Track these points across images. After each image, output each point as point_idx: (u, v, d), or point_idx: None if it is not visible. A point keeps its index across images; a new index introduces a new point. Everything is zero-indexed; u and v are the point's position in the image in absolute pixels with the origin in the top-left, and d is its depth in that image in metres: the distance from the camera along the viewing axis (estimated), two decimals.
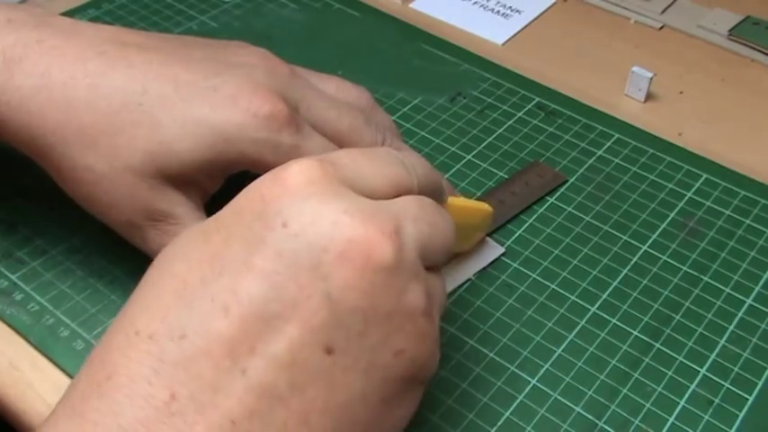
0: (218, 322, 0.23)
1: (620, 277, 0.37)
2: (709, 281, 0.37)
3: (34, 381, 0.33)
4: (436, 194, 0.29)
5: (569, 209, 0.40)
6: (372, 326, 0.24)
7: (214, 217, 0.25)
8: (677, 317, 0.36)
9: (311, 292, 0.23)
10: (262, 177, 0.25)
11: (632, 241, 0.39)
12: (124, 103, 0.31)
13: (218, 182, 0.34)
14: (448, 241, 0.27)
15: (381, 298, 0.24)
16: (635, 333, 0.35)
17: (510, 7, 0.55)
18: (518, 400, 0.32)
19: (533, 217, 0.40)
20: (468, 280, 0.37)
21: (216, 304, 0.23)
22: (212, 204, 0.34)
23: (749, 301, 0.36)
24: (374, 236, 0.24)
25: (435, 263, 0.27)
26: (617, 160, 0.43)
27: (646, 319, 0.36)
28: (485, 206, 0.36)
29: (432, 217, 0.27)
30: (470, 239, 0.37)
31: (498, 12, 0.55)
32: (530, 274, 0.37)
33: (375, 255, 0.24)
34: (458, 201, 0.34)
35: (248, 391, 0.22)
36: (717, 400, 0.33)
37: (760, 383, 0.33)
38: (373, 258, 0.24)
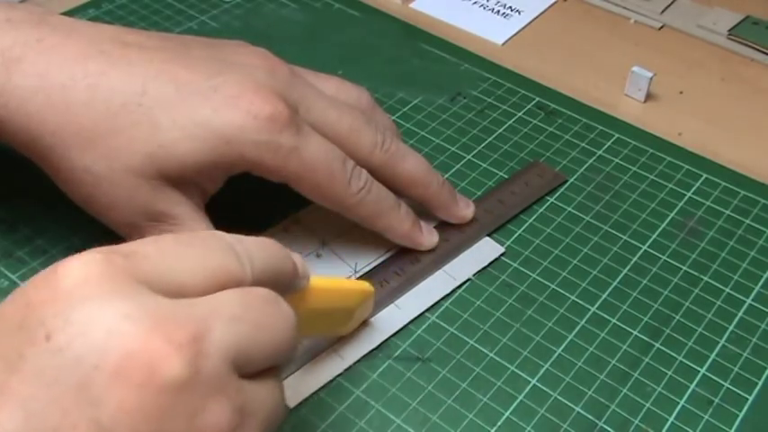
0: None
1: (620, 277, 0.37)
2: (709, 281, 0.37)
3: None
4: (282, 283, 0.26)
5: (569, 209, 0.40)
6: None
7: None
8: (677, 317, 0.36)
9: (77, 419, 0.19)
10: (39, 274, 0.21)
11: (632, 241, 0.39)
12: (124, 103, 0.31)
13: (219, 183, 0.34)
14: (281, 343, 0.23)
15: (169, 422, 0.20)
16: (635, 333, 0.35)
17: (510, 7, 0.55)
18: (518, 400, 0.32)
19: (533, 217, 0.40)
20: (468, 280, 0.37)
21: None
22: (213, 204, 0.34)
23: (749, 301, 0.36)
24: (159, 346, 0.20)
25: (262, 367, 0.23)
26: (617, 160, 0.43)
27: (646, 319, 0.36)
28: (363, 285, 0.33)
29: (258, 314, 0.23)
30: (348, 323, 0.33)
31: (498, 12, 0.55)
32: (530, 274, 0.37)
33: (159, 370, 0.20)
34: (325, 283, 0.30)
35: None
36: (717, 400, 0.33)
37: (760, 383, 0.33)
38: (157, 374, 0.20)
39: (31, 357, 0.20)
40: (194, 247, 0.23)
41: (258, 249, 0.25)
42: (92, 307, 0.20)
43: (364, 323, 0.34)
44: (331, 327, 0.33)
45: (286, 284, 0.26)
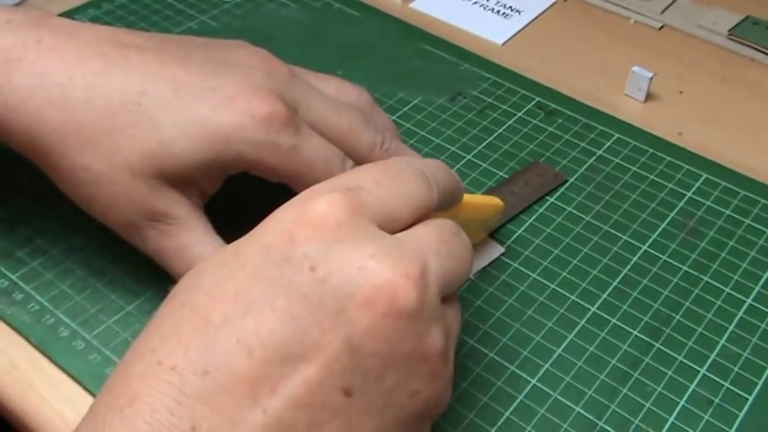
0: (241, 362, 0.23)
1: (620, 277, 0.37)
2: (709, 281, 0.37)
3: (34, 380, 0.33)
4: (454, 199, 0.30)
5: (569, 209, 0.40)
6: (390, 370, 0.24)
7: (237, 248, 0.25)
8: (677, 317, 0.36)
9: (333, 336, 0.23)
10: (288, 209, 0.25)
11: (632, 241, 0.39)
12: (123, 103, 0.31)
13: (218, 182, 0.34)
14: (467, 270, 0.27)
15: (401, 343, 0.24)
16: (635, 333, 0.35)
17: (510, 7, 0.55)
18: (518, 400, 0.32)
19: (533, 217, 0.40)
20: (468, 280, 0.37)
21: (240, 345, 0.23)
22: (212, 204, 0.34)
23: (749, 301, 0.36)
24: (399, 281, 0.24)
25: (454, 292, 0.27)
26: (617, 160, 0.43)
27: (646, 319, 0.36)
28: (495, 201, 0.36)
29: (452, 248, 0.27)
30: (480, 234, 0.37)
31: (498, 12, 0.55)
32: (530, 274, 0.37)
33: (399, 301, 0.24)
34: (470, 198, 0.33)
35: (267, 428, 0.23)
36: (717, 400, 0.33)
37: (760, 383, 0.33)
38: (397, 305, 0.24)
39: (298, 284, 0.23)
40: (398, 178, 0.27)
41: (439, 171, 0.28)
42: (346, 247, 0.24)
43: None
44: (472, 235, 0.33)
45: (454, 200, 0.30)
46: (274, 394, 0.23)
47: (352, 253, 0.24)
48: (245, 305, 0.24)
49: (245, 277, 0.24)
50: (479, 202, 0.36)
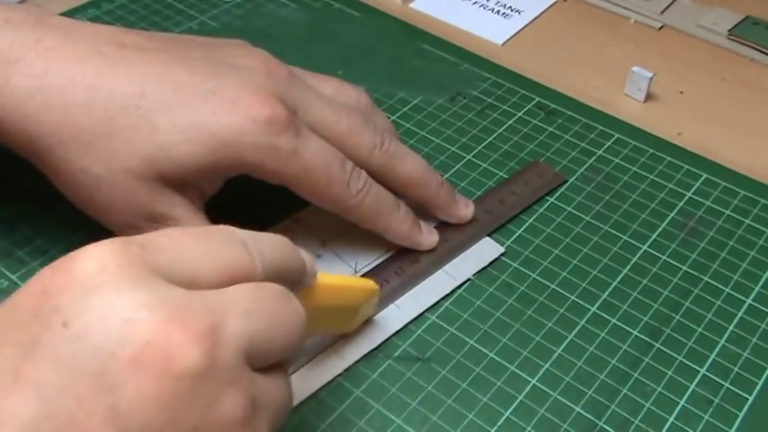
0: None
1: (620, 277, 0.37)
2: (709, 281, 0.37)
3: None
4: (291, 280, 0.26)
5: (569, 209, 0.40)
6: None
7: None
8: (677, 317, 0.36)
9: (94, 407, 0.19)
10: (47, 266, 0.21)
11: (632, 241, 0.39)
12: (122, 106, 0.31)
13: (218, 185, 0.34)
14: (291, 338, 0.24)
15: (185, 411, 0.20)
16: (635, 333, 0.35)
17: (510, 7, 0.55)
18: (518, 400, 0.32)
19: (533, 217, 0.40)
20: (468, 280, 0.37)
21: None
22: (212, 204, 0.34)
23: (749, 301, 0.36)
24: (177, 336, 0.20)
25: (272, 362, 0.24)
26: (617, 160, 0.43)
27: (646, 319, 0.36)
28: (368, 284, 0.33)
29: (271, 310, 0.23)
30: (353, 320, 0.33)
31: (498, 12, 0.55)
32: (530, 274, 0.37)
33: (177, 360, 0.20)
34: (331, 280, 0.30)
35: None
36: (717, 400, 0.33)
37: (760, 383, 0.33)
38: (175, 364, 0.20)
39: (48, 344, 0.20)
40: (207, 241, 0.23)
41: (269, 246, 0.25)
42: (109, 294, 0.20)
43: (368, 321, 0.34)
44: (336, 324, 0.33)
45: (295, 281, 0.26)
46: None
47: (117, 302, 0.20)
48: None
49: None
50: (347, 284, 0.31)
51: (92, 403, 0.19)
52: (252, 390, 0.22)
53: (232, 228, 0.24)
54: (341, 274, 0.32)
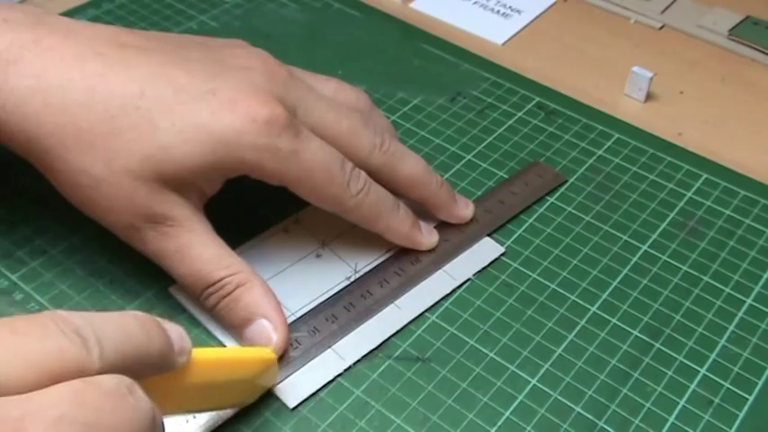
0: None
1: (620, 277, 0.37)
2: (709, 281, 0.37)
3: None
4: (148, 365, 0.23)
5: (569, 209, 0.40)
6: None
7: None
8: (677, 317, 0.36)
9: None
10: None
11: (632, 241, 0.39)
12: (122, 106, 0.31)
13: (218, 185, 0.34)
14: None
15: None
16: (635, 333, 0.35)
17: (510, 7, 0.55)
18: (518, 400, 0.32)
19: (533, 217, 0.40)
20: (468, 280, 0.37)
21: None
22: (212, 205, 0.34)
23: (749, 301, 0.36)
24: None
25: None
26: (617, 160, 0.43)
27: (646, 319, 0.36)
28: (262, 353, 0.30)
29: (95, 413, 0.20)
30: (249, 393, 0.31)
31: (498, 12, 0.55)
32: (530, 274, 0.37)
33: None
34: (213, 354, 0.27)
35: None
36: (717, 400, 0.33)
37: (760, 383, 0.33)
38: None
39: None
40: (22, 334, 0.20)
41: (112, 329, 0.22)
42: None
43: (367, 321, 0.34)
44: (229, 399, 0.30)
45: (155, 365, 0.23)
46: None
47: None
48: None
49: None
50: (230, 358, 0.28)
51: None
52: None
53: (63, 313, 0.21)
54: (228, 347, 0.29)
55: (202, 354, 0.26)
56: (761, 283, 0.37)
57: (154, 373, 0.23)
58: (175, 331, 0.24)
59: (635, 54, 0.51)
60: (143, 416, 0.21)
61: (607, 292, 0.37)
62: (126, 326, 0.22)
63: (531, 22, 0.54)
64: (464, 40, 0.52)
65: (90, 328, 0.21)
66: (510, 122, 0.45)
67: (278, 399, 0.32)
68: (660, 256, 0.38)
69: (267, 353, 0.30)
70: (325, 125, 0.34)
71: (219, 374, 0.27)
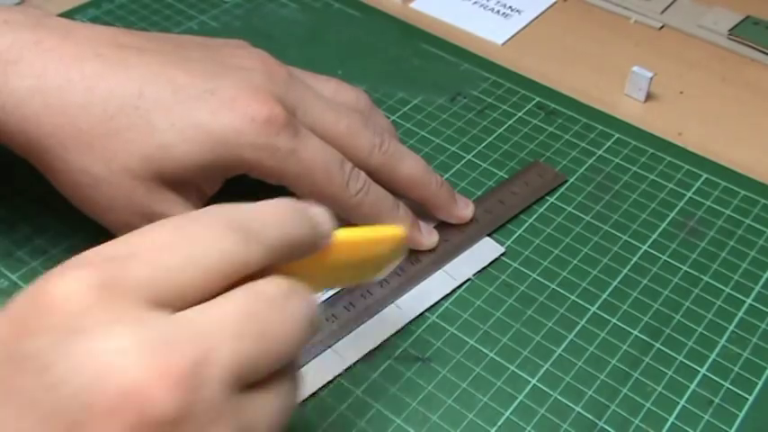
0: None
1: (620, 277, 0.37)
2: (709, 281, 0.37)
3: None
4: (300, 250, 0.24)
5: (569, 209, 0.40)
6: None
7: None
8: (677, 317, 0.36)
9: None
10: (27, 291, 0.20)
11: (632, 241, 0.39)
12: (121, 106, 0.31)
13: (217, 185, 0.34)
14: (288, 348, 0.22)
15: None
16: (635, 333, 0.35)
17: (510, 7, 0.55)
18: (518, 400, 0.32)
19: (533, 217, 0.40)
20: (468, 280, 0.37)
21: None
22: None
23: (749, 301, 0.36)
24: (153, 383, 0.19)
25: (266, 375, 0.22)
26: (617, 160, 0.43)
27: (646, 319, 0.36)
28: (392, 231, 0.30)
29: (263, 324, 0.21)
30: (380, 270, 0.31)
31: (498, 12, 0.55)
32: (530, 274, 0.37)
33: (150, 409, 0.19)
34: (352, 234, 0.28)
35: None
36: (717, 400, 0.33)
37: (760, 383, 0.33)
38: (149, 413, 0.19)
39: (23, 390, 0.19)
40: (193, 240, 0.21)
41: (269, 221, 0.23)
42: (90, 340, 0.19)
43: (369, 319, 0.34)
44: (361, 276, 0.31)
45: (305, 250, 0.24)
46: None
47: (96, 347, 0.19)
48: None
49: None
50: (369, 236, 0.29)
51: None
52: (241, 416, 0.21)
53: (222, 209, 0.23)
54: (362, 226, 0.30)
55: (343, 235, 0.27)
56: (761, 283, 0.37)
57: (303, 256, 0.24)
58: (321, 214, 0.25)
59: (635, 54, 0.51)
60: (301, 321, 0.22)
61: (607, 292, 0.37)
62: (281, 216, 0.23)
63: (531, 22, 0.54)
64: (464, 40, 0.52)
65: (253, 224, 0.22)
66: (510, 122, 0.45)
67: None
68: (660, 256, 0.38)
69: (399, 230, 0.30)
70: (325, 125, 0.34)
71: (357, 252, 0.28)
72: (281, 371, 0.22)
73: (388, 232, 0.30)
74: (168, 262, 0.21)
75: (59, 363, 0.19)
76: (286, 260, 0.23)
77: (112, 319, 0.19)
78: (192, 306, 0.21)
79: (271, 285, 0.22)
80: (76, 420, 0.18)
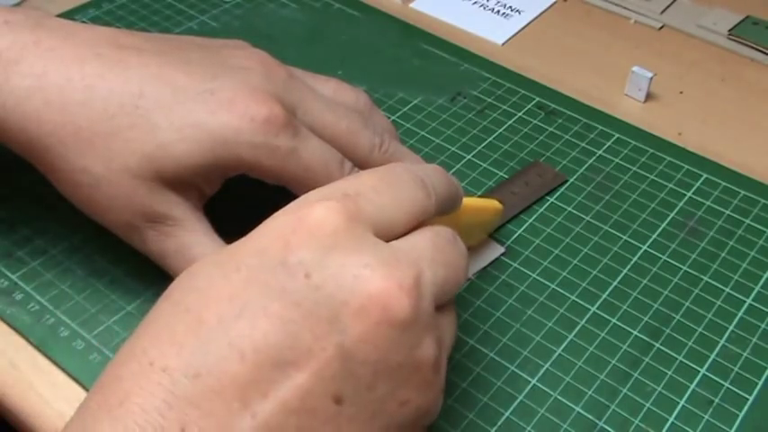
0: (233, 365, 0.23)
1: (620, 277, 0.37)
2: (709, 281, 0.37)
3: (34, 381, 0.33)
4: (453, 205, 0.30)
5: (569, 209, 0.40)
6: (381, 378, 0.24)
7: (233, 250, 0.25)
8: (677, 317, 0.36)
9: (326, 343, 0.23)
10: (284, 215, 0.25)
11: (632, 241, 0.39)
12: (121, 105, 0.31)
13: (217, 184, 0.34)
14: (462, 278, 0.27)
15: (393, 352, 0.24)
16: (635, 333, 0.35)
17: (510, 7, 0.55)
18: (518, 400, 0.32)
19: (533, 217, 0.40)
20: (469, 280, 0.37)
21: (232, 348, 0.23)
22: (212, 205, 0.34)
23: (749, 301, 0.36)
24: (393, 291, 0.24)
25: (449, 300, 0.27)
26: (617, 160, 0.43)
27: (646, 319, 0.36)
28: (494, 203, 0.37)
29: (447, 256, 0.27)
30: (479, 236, 0.38)
31: (498, 12, 0.55)
32: (530, 274, 0.37)
33: (392, 311, 0.24)
34: (469, 201, 0.33)
35: None
36: (717, 400, 0.33)
37: (760, 383, 0.33)
38: (390, 314, 0.24)
39: (293, 291, 0.23)
40: (397, 185, 0.27)
41: (438, 178, 0.29)
42: (342, 254, 0.24)
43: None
44: (468, 238, 0.34)
45: (452, 204, 0.30)
46: (265, 399, 0.23)
47: (347, 261, 0.24)
48: (238, 308, 0.23)
49: (239, 280, 0.24)
50: (479, 205, 0.36)
51: (325, 341, 0.23)
52: (438, 331, 0.26)
53: (408, 166, 0.28)
54: (473, 197, 0.36)
55: (466, 199, 0.32)
56: (761, 283, 0.37)
57: (449, 212, 0.30)
58: (455, 180, 0.31)
59: (635, 54, 0.51)
60: (465, 257, 0.28)
61: (607, 292, 0.37)
62: (444, 176, 0.29)
63: (531, 22, 0.54)
64: (464, 40, 0.52)
65: (427, 178, 0.28)
66: (510, 122, 0.45)
67: None
68: (660, 256, 0.38)
69: (497, 203, 0.37)
70: (325, 125, 0.34)
71: (473, 216, 0.34)
72: (449, 304, 0.28)
73: (493, 203, 0.37)
74: (383, 201, 0.26)
75: (320, 270, 0.24)
76: (441, 213, 0.29)
77: (354, 240, 0.24)
78: (394, 238, 0.26)
79: (443, 229, 0.27)
80: (334, 315, 0.23)
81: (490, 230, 0.38)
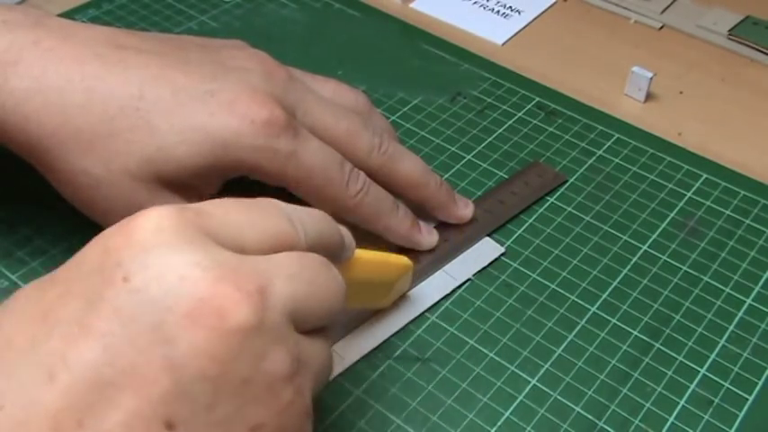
0: (42, 391, 0.20)
1: (620, 277, 0.37)
2: (709, 281, 0.37)
3: None
4: (331, 252, 0.27)
5: (569, 209, 0.40)
6: (223, 396, 0.21)
7: (55, 271, 0.23)
8: (677, 317, 0.36)
9: (151, 356, 0.20)
10: (110, 228, 0.23)
11: (632, 241, 0.39)
12: (121, 107, 0.31)
13: (217, 186, 0.34)
14: (333, 303, 0.25)
15: (235, 364, 0.21)
16: (635, 333, 0.35)
17: (510, 7, 0.55)
18: (518, 400, 0.32)
19: (533, 217, 0.40)
20: (468, 280, 0.37)
21: (41, 370, 0.20)
22: None
23: (749, 301, 0.36)
24: (229, 294, 0.21)
25: (315, 326, 0.25)
26: (617, 160, 0.43)
27: (646, 319, 0.36)
28: (402, 260, 0.33)
29: (313, 276, 0.24)
30: (387, 296, 0.34)
31: (498, 12, 0.55)
32: (530, 274, 0.37)
33: (228, 315, 0.21)
34: (367, 255, 0.30)
35: None
36: (717, 400, 0.33)
37: (760, 383, 0.33)
38: (227, 320, 0.21)
39: (110, 298, 0.21)
40: (254, 211, 0.24)
41: (311, 219, 0.26)
42: (166, 253, 0.21)
43: (367, 320, 0.34)
44: (371, 299, 0.33)
45: (334, 254, 0.27)
46: (82, 430, 0.20)
47: (173, 259, 0.21)
48: (51, 325, 0.21)
49: (55, 295, 0.21)
50: (382, 260, 0.32)
51: (150, 353, 0.20)
52: (296, 349, 0.23)
53: (276, 201, 0.25)
54: (376, 251, 0.32)
55: (360, 253, 0.30)
56: (761, 283, 0.37)
57: (334, 260, 0.26)
58: (344, 230, 0.28)
59: (635, 54, 0.51)
60: (340, 285, 0.25)
61: (607, 292, 0.37)
62: (318, 218, 0.26)
63: (531, 22, 0.54)
64: (464, 40, 0.52)
65: (296, 215, 0.25)
66: (510, 122, 0.45)
67: None
68: (660, 256, 0.38)
69: (406, 260, 0.34)
70: (324, 126, 0.34)
71: (370, 273, 0.31)
72: (322, 331, 0.25)
73: (398, 259, 0.33)
74: (233, 220, 0.23)
75: (139, 272, 0.21)
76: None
77: (185, 239, 0.22)
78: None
79: (316, 255, 0.25)
80: (157, 322, 0.20)
81: (402, 290, 0.35)
